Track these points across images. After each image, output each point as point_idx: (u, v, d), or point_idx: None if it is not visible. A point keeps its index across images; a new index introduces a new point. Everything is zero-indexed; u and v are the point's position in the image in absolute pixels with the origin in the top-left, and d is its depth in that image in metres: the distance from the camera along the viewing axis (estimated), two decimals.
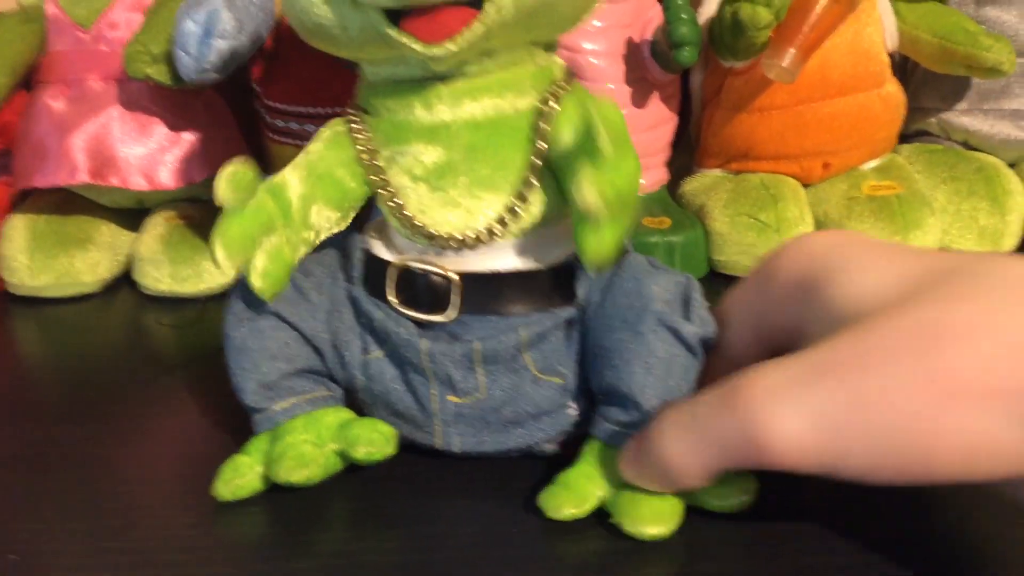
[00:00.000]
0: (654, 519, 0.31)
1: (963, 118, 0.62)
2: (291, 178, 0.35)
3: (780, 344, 0.32)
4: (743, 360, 0.31)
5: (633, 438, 0.32)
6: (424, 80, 0.33)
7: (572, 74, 0.36)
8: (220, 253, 0.33)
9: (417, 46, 0.30)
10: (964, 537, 0.32)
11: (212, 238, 0.33)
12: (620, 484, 0.32)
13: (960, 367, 0.25)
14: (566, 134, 0.31)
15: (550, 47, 0.36)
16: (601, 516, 0.33)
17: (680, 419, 0.30)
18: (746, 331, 0.34)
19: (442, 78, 0.33)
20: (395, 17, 0.30)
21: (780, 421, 0.27)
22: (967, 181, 0.58)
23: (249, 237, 0.33)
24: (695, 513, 0.32)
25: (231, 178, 0.33)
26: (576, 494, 0.32)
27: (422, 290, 0.34)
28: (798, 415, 0.27)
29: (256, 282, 0.34)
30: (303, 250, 0.36)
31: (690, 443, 0.29)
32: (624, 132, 0.30)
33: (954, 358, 0.25)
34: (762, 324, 0.34)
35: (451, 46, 0.30)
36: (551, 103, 0.33)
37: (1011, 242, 0.58)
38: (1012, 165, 0.61)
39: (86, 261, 0.55)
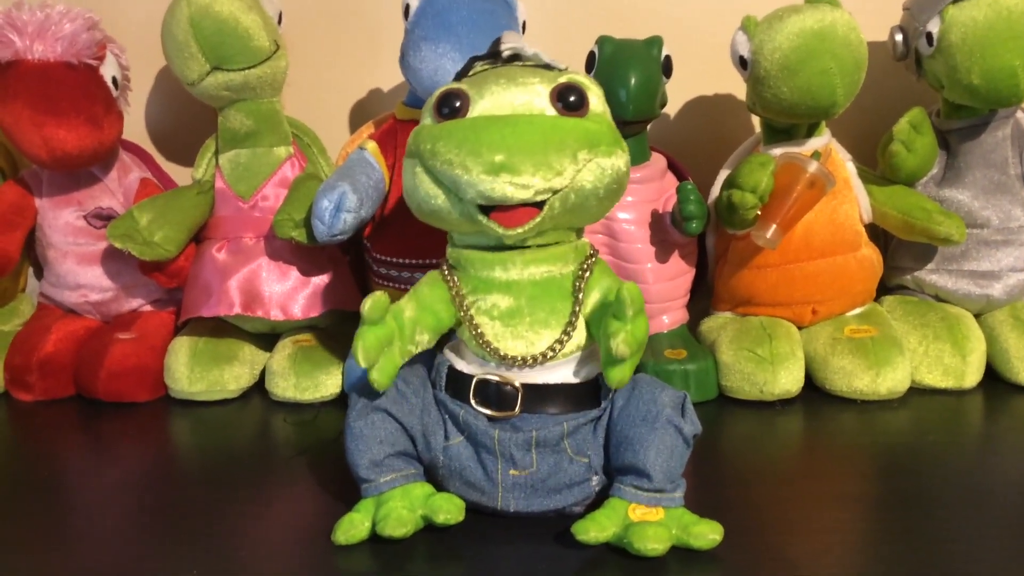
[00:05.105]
0: (655, 540, 0.44)
1: (932, 276, 0.74)
2: (406, 306, 0.49)
3: None
4: None
5: None
6: (500, 249, 0.48)
7: (595, 250, 0.51)
8: (361, 353, 0.46)
9: (499, 230, 0.45)
10: None
11: (355, 342, 0.46)
12: (629, 524, 0.46)
13: None
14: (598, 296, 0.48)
15: (581, 231, 0.51)
16: (608, 562, 0.45)
17: None
18: None
19: (510, 248, 0.48)
20: (486, 210, 0.45)
21: None
22: (933, 328, 0.70)
23: (380, 344, 0.47)
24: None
25: (373, 301, 0.46)
26: (598, 524, 0.46)
27: (494, 395, 0.48)
28: None
29: (375, 375, 0.47)
30: (406, 358, 0.50)
31: None
32: (640, 303, 0.44)
33: None
34: None
35: (520, 231, 0.45)
36: (585, 274, 0.48)
37: (973, 379, 0.68)
38: (978, 315, 0.73)
39: (232, 374, 0.70)
